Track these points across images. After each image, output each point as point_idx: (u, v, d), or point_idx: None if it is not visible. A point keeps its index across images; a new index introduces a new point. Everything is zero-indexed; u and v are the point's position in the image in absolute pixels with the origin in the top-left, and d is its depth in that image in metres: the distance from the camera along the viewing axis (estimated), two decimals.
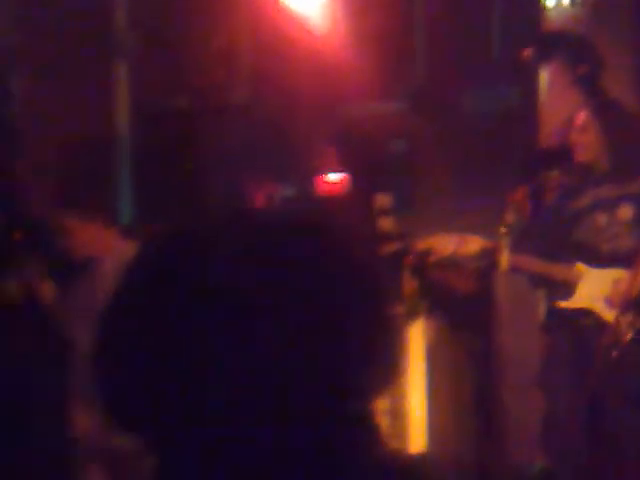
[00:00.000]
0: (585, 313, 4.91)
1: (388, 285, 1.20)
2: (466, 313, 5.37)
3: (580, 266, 4.93)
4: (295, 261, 1.15)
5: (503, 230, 4.95)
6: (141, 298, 1.15)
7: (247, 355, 1.11)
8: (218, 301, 1.12)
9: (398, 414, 4.84)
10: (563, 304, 4.96)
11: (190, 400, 1.12)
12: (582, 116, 5.04)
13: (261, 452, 1.13)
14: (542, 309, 5.25)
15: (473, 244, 4.98)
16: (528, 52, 6.05)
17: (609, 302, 4.86)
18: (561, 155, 5.37)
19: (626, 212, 4.97)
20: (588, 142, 4.98)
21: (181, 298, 1.13)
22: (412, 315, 5.15)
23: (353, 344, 1.14)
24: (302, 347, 1.12)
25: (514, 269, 5.01)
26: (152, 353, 1.13)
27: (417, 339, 5.12)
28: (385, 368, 1.17)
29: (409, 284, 5.14)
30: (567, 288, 4.95)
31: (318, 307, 1.13)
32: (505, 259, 4.92)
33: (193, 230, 1.19)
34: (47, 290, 4.73)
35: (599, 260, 4.92)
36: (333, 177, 5.92)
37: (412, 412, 5.01)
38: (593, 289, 4.90)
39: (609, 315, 4.85)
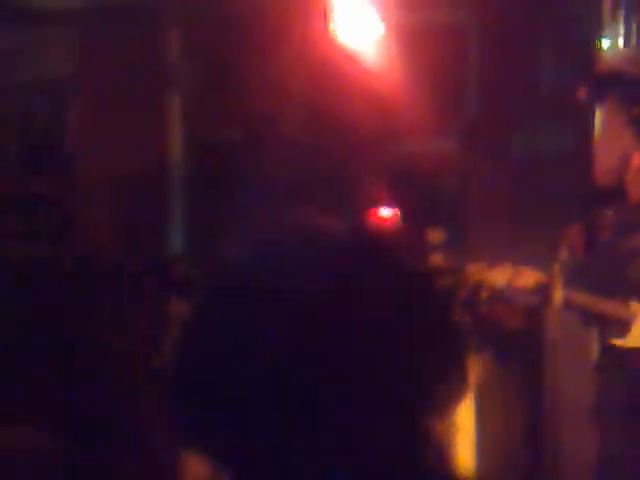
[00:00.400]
0: None
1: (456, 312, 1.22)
2: (517, 348, 5.32)
3: (636, 305, 4.88)
4: (370, 283, 1.15)
5: (557, 267, 4.90)
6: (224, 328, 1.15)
7: (321, 371, 1.10)
8: (295, 322, 1.12)
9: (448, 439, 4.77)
10: (618, 343, 4.89)
11: (272, 425, 1.11)
12: (639, 157, 5.01)
13: (329, 468, 1.12)
14: (595, 347, 5.19)
15: (527, 278, 4.95)
16: (582, 91, 6.04)
17: None
18: (616, 194, 5.34)
19: None
20: None
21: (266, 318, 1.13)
22: None
23: (426, 361, 1.14)
24: (377, 364, 1.12)
25: (567, 305, 4.96)
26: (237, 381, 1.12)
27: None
28: (456, 384, 1.17)
29: (461, 318, 5.09)
30: (622, 327, 4.89)
31: (395, 325, 1.14)
32: (559, 295, 4.87)
33: (270, 256, 1.19)
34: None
35: None
36: (385, 212, 5.92)
37: (461, 448, 4.95)
38: None
39: None
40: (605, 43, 6.17)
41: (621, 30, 6.15)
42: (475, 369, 5.09)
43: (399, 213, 5.93)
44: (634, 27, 6.13)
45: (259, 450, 1.09)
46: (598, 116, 6.08)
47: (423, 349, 1.15)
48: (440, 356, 1.16)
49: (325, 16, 6.26)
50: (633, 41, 6.12)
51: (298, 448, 1.09)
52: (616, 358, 4.90)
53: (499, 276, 4.94)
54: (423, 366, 1.14)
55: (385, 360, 1.12)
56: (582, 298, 4.95)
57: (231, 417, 1.10)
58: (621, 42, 6.16)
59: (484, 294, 5.04)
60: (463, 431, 4.92)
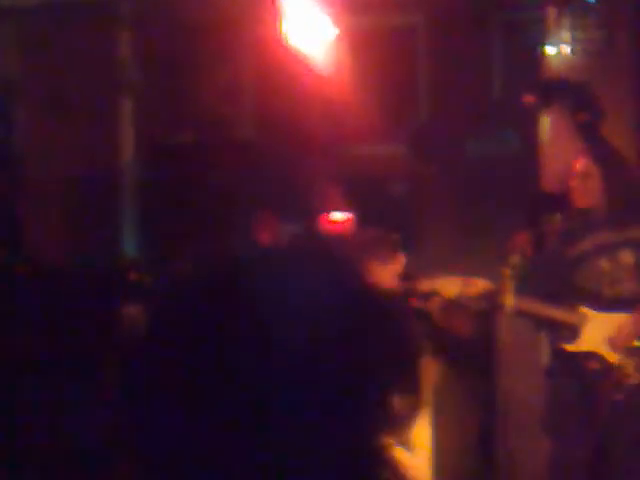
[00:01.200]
0: (590, 356, 4.93)
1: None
2: (469, 355, 5.38)
3: (584, 309, 4.96)
4: (322, 287, 1.16)
5: (507, 272, 4.96)
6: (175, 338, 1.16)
7: (274, 393, 1.11)
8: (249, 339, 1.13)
9: (401, 456, 4.82)
10: (568, 347, 4.97)
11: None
12: (583, 163, 5.08)
13: None
14: (545, 352, 5.27)
15: (476, 286, 5.00)
16: (529, 98, 6.11)
17: (614, 346, 4.90)
18: (561, 199, 5.42)
19: (627, 257, 5.01)
20: (589, 188, 5.03)
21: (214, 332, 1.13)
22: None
23: (378, 377, 1.15)
24: (327, 380, 1.13)
25: (518, 311, 5.03)
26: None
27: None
28: (410, 399, 1.18)
29: (414, 326, 5.14)
30: (571, 331, 4.96)
31: (349, 343, 1.14)
32: (509, 301, 4.93)
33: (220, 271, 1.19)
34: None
35: (602, 304, 4.95)
36: (337, 216, 5.95)
37: (416, 454, 5.00)
38: (598, 333, 4.92)
39: (614, 359, 4.88)
40: (550, 50, 6.23)
41: (566, 37, 6.21)
42: (430, 378, 5.15)
43: (353, 217, 5.96)
44: (579, 35, 6.20)
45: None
46: (545, 122, 6.16)
47: (375, 359, 1.15)
48: (393, 368, 1.15)
49: (276, 20, 6.26)
50: (578, 49, 6.19)
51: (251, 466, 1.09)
52: (566, 362, 4.98)
53: (450, 284, 4.99)
54: (375, 378, 1.14)
55: (335, 370, 1.12)
56: (532, 304, 5.01)
57: (177, 421, 1.10)
58: (566, 49, 6.22)
59: (437, 301, 5.09)
60: (418, 437, 4.98)
